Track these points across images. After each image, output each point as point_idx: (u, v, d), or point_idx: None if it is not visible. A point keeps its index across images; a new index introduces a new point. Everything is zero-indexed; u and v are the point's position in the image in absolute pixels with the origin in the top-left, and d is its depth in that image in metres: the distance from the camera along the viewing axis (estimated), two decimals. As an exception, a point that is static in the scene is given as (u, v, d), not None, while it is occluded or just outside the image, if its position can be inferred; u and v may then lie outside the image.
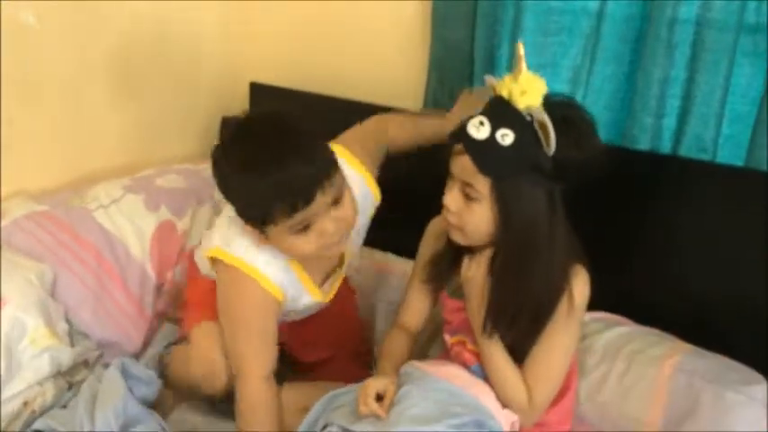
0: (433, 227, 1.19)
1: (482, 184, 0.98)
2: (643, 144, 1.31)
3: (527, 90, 0.96)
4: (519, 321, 1.04)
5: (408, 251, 1.30)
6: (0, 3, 1.32)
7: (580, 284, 1.05)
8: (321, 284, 1.21)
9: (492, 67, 1.40)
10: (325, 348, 1.35)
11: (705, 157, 1.26)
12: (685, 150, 1.28)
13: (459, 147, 1.00)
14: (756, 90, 1.23)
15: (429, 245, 1.18)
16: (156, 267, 1.44)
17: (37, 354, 1.19)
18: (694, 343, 1.19)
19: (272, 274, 1.10)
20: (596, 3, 1.33)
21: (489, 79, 1.03)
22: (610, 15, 1.32)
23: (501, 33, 1.39)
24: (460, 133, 0.99)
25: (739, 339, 1.17)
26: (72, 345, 1.28)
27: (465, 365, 1.12)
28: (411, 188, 1.23)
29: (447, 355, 1.19)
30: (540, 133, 0.95)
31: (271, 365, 1.14)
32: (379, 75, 1.64)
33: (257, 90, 1.79)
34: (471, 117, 0.99)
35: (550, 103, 0.98)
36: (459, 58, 1.48)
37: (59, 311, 1.28)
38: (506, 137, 0.95)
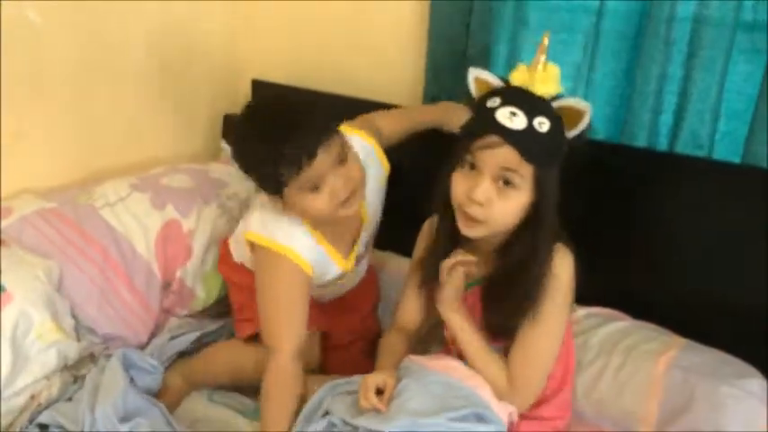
0: (429, 227, 1.20)
1: (526, 170, 0.99)
2: (641, 140, 1.32)
3: (550, 79, 0.99)
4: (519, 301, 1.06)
5: (405, 250, 1.33)
6: (0, 3, 1.34)
7: (558, 261, 1.06)
8: (346, 255, 1.27)
9: (487, 65, 1.41)
10: (346, 333, 1.42)
11: (701, 153, 1.27)
12: (682, 146, 1.29)
13: (488, 140, 0.98)
14: (753, 87, 1.23)
15: (425, 245, 1.19)
16: (162, 266, 1.46)
17: (44, 348, 1.22)
18: (690, 337, 1.20)
19: (301, 251, 1.18)
20: (596, 1, 1.34)
21: (473, 71, 1.06)
22: (609, 13, 1.33)
23: (500, 31, 1.40)
24: (490, 126, 0.98)
25: (735, 333, 1.17)
26: (78, 339, 1.31)
27: (463, 358, 1.14)
28: (408, 189, 1.25)
29: (447, 350, 1.20)
30: (562, 119, 0.99)
31: (297, 341, 1.18)
32: (379, 72, 1.65)
33: (259, 87, 1.81)
34: (494, 109, 0.99)
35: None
36: (455, 56, 1.48)
37: (66, 307, 1.31)
38: (543, 124, 0.98)
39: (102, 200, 1.47)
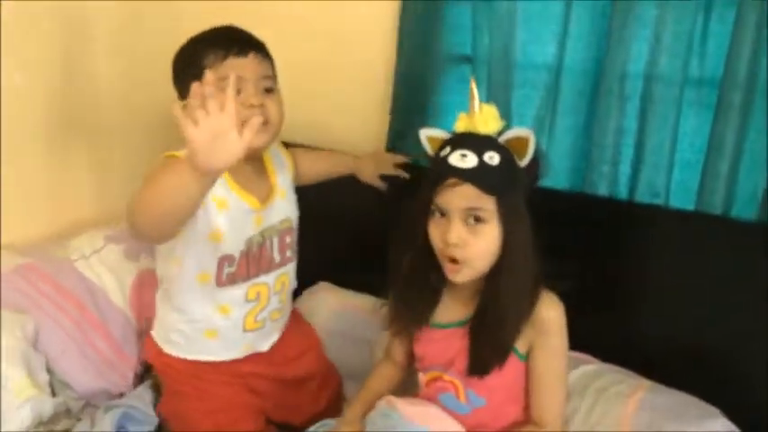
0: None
1: (489, 203, 1.03)
2: (602, 190, 1.39)
3: (489, 118, 1.05)
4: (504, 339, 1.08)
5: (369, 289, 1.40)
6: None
7: (545, 304, 1.09)
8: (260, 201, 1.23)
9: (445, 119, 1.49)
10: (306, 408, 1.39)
11: (658, 201, 1.33)
12: (640, 195, 1.35)
13: (448, 182, 1.03)
14: (703, 138, 1.30)
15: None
16: (139, 315, 1.47)
17: (19, 404, 1.21)
18: (652, 378, 1.24)
19: None
20: (554, 58, 1.42)
21: (423, 132, 1.12)
22: (566, 70, 1.41)
23: (479, 91, 1.47)
24: (445, 170, 1.03)
25: (695, 375, 1.22)
26: (54, 394, 1.30)
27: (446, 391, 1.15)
28: (373, 229, 1.29)
29: (426, 393, 1.19)
30: (511, 150, 1.04)
31: None
32: (343, 122, 1.71)
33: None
34: (446, 156, 1.04)
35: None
36: (419, 114, 1.55)
37: (41, 362, 1.30)
38: (493, 158, 1.02)
39: (78, 253, 1.49)
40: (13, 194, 1.50)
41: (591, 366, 1.29)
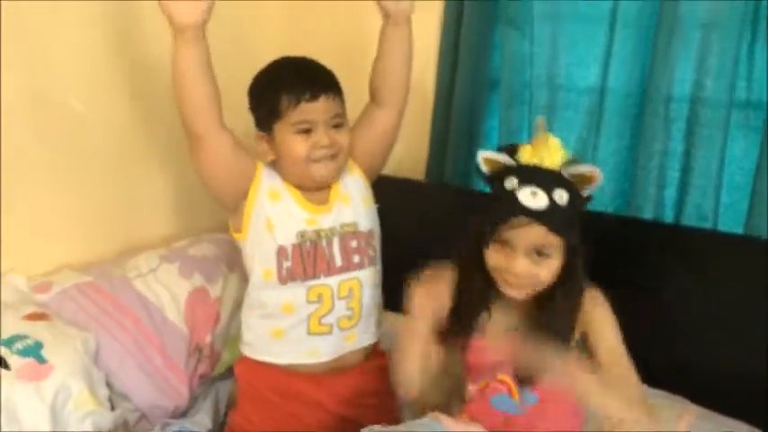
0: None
1: (555, 242, 1.06)
2: (647, 213, 1.38)
3: (554, 152, 1.06)
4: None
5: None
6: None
7: (592, 300, 1.12)
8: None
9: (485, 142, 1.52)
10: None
11: (706, 225, 1.33)
12: (687, 219, 1.35)
13: (516, 221, 1.04)
14: (751, 161, 1.30)
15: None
16: (192, 331, 1.52)
17: (80, 418, 1.26)
18: (697, 403, 1.23)
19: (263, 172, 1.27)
20: (598, 81, 1.43)
21: (481, 153, 1.13)
22: (610, 92, 1.42)
23: (520, 115, 1.51)
24: (515, 209, 1.04)
25: (743, 401, 1.20)
26: (112, 408, 1.36)
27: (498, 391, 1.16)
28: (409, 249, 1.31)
29: (472, 406, 1.21)
30: (575, 183, 1.06)
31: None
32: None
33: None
34: (514, 191, 1.05)
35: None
36: (461, 136, 1.58)
37: (101, 377, 1.36)
38: (563, 197, 1.04)
39: (135, 271, 1.55)
40: (77, 215, 1.58)
41: (637, 390, 1.28)
